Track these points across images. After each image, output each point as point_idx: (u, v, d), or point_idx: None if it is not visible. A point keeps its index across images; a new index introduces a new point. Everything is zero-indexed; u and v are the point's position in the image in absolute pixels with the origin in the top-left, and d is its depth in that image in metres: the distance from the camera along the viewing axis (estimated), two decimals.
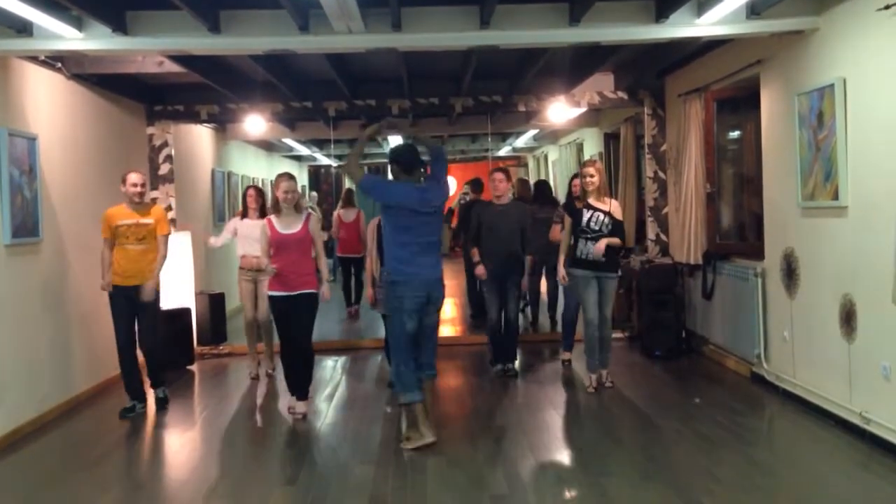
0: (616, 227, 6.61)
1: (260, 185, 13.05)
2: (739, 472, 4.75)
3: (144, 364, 6.67)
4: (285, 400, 6.57)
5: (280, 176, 6.35)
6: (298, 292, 6.13)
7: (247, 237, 7.49)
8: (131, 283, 6.36)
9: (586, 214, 6.56)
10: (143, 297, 6.38)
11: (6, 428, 5.71)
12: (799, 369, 6.06)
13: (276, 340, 7.39)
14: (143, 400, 6.53)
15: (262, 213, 7.50)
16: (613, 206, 6.64)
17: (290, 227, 6.18)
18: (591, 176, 6.60)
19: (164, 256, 6.57)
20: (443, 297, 5.54)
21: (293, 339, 6.21)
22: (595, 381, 6.71)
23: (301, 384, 6.25)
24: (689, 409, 6.17)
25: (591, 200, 6.60)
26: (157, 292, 6.56)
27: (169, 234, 6.63)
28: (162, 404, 6.62)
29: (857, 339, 5.20)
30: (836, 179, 5.29)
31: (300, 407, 6.24)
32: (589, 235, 6.55)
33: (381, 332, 7.50)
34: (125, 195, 6.42)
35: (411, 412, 5.45)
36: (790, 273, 6.09)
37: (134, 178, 6.45)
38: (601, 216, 6.54)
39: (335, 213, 11.38)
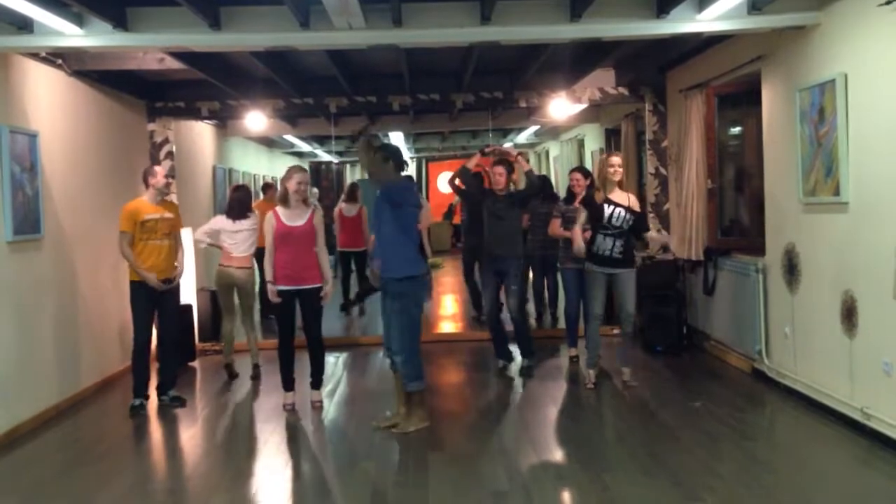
0: (638, 220, 6.56)
1: (262, 181, 13.10)
2: (740, 468, 4.76)
3: (157, 362, 6.70)
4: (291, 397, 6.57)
5: (292, 168, 6.45)
6: (305, 287, 6.23)
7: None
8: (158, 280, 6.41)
9: (607, 210, 6.45)
10: (172, 284, 6.46)
11: (9, 424, 5.72)
12: (800, 365, 6.06)
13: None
14: (148, 397, 6.55)
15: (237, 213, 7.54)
16: (633, 201, 6.58)
17: (295, 219, 6.24)
18: (620, 166, 6.57)
19: (182, 251, 6.69)
20: None
21: (305, 331, 6.35)
22: (593, 376, 6.71)
23: (316, 374, 6.44)
24: (690, 405, 6.17)
25: (612, 195, 6.51)
26: (179, 289, 6.66)
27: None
28: (181, 402, 6.59)
29: (858, 335, 5.20)
30: (837, 175, 5.29)
31: (316, 395, 6.44)
32: (609, 232, 6.45)
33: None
34: (154, 188, 6.41)
35: (421, 398, 5.75)
36: (791, 269, 6.09)
37: (159, 168, 6.54)
38: (622, 212, 6.44)
39: (336, 208, 11.33)
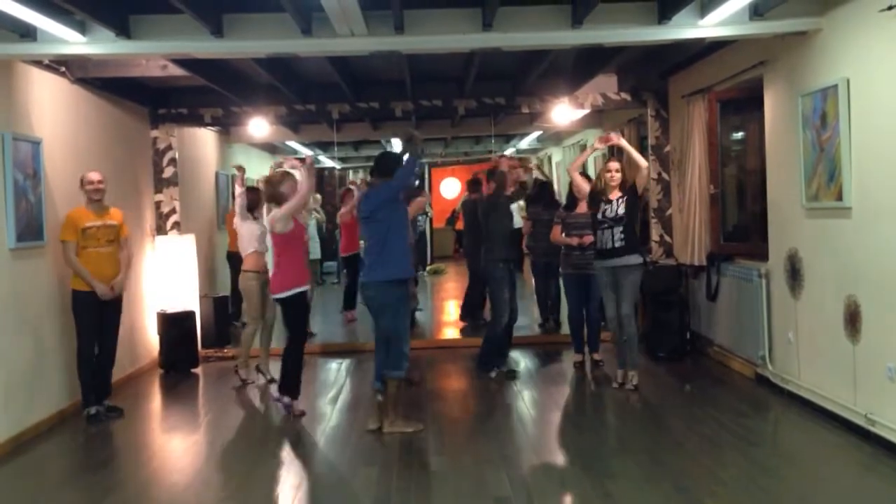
0: (630, 189, 6.68)
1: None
2: (743, 474, 4.74)
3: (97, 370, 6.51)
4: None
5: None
6: (306, 289, 6.37)
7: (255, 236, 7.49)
8: None
9: (603, 206, 6.60)
10: (113, 293, 6.30)
11: (11, 432, 5.72)
12: (803, 371, 6.04)
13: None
14: (103, 402, 6.44)
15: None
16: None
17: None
18: (618, 171, 6.67)
19: (131, 257, 6.68)
20: (376, 299, 5.73)
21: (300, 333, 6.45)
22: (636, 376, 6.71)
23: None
24: (694, 410, 6.16)
25: (611, 197, 6.64)
26: (121, 300, 6.56)
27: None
28: (119, 413, 6.50)
29: (861, 341, 5.19)
30: (839, 180, 5.28)
31: (287, 399, 6.35)
32: (606, 225, 6.58)
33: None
34: (85, 194, 6.33)
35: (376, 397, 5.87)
36: (794, 274, 6.08)
37: (92, 175, 6.38)
38: (613, 205, 6.60)
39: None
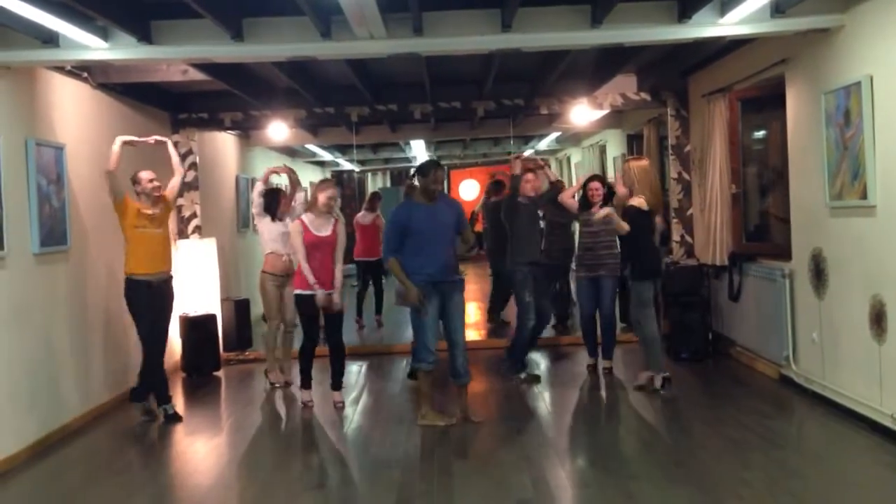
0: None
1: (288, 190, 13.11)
2: (768, 476, 4.69)
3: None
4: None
5: (326, 182, 6.93)
6: (330, 293, 6.52)
7: (273, 237, 7.50)
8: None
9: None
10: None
11: (36, 435, 5.77)
12: (828, 371, 5.98)
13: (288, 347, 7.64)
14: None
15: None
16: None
17: (321, 229, 6.52)
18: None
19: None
20: (460, 299, 6.07)
21: (328, 336, 6.67)
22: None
23: (337, 376, 6.71)
24: (717, 411, 6.11)
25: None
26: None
27: None
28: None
29: (887, 340, 5.13)
30: (863, 178, 5.22)
31: (337, 396, 6.70)
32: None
33: (407, 338, 7.55)
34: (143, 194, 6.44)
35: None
36: (818, 274, 6.02)
37: (149, 174, 6.50)
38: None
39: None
